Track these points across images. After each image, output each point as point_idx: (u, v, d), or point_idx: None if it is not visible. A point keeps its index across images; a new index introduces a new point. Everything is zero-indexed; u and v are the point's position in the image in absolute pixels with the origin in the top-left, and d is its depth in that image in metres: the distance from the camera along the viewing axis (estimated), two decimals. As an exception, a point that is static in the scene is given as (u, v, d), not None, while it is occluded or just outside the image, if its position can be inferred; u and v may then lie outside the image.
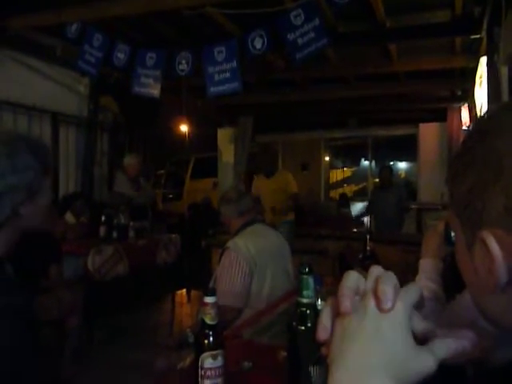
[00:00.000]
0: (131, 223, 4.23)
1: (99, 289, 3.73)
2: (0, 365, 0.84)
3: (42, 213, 1.09)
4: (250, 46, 3.44)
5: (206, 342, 0.98)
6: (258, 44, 3.40)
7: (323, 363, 0.80)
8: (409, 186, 8.12)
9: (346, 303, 0.44)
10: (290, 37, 3.25)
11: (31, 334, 0.91)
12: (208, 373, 0.97)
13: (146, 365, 1.67)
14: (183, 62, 3.74)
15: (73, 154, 5.11)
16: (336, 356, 0.43)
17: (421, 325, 0.44)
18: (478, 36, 3.79)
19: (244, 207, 2.22)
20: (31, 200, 1.03)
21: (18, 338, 0.87)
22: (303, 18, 3.20)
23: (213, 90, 3.68)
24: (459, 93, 6.22)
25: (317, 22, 3.18)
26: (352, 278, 0.46)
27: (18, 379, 0.86)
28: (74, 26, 3.77)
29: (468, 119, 5.72)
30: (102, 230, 4.04)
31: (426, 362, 0.41)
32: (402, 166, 10.44)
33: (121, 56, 3.85)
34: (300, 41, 3.23)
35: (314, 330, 0.47)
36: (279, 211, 4.59)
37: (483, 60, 3.68)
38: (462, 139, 0.53)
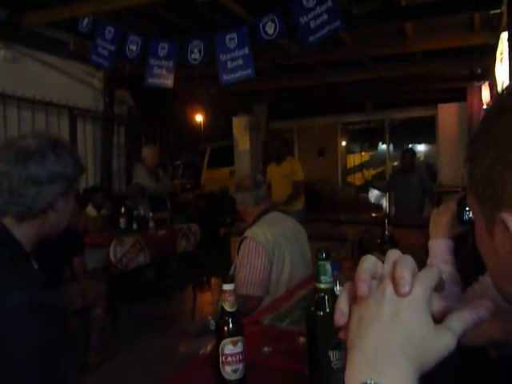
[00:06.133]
0: (151, 214, 4.29)
1: (121, 279, 3.81)
2: (27, 361, 0.86)
3: (70, 211, 1.11)
4: (262, 32, 3.40)
5: (225, 328, 0.99)
6: (270, 29, 3.36)
7: (343, 348, 0.80)
8: (429, 169, 7.98)
9: (363, 287, 0.43)
10: (303, 20, 3.20)
11: (57, 329, 0.93)
12: (229, 359, 0.98)
13: (169, 352, 1.70)
14: (195, 50, 3.73)
15: (90, 147, 5.18)
16: (354, 340, 0.43)
17: (440, 305, 0.43)
18: (498, 11, 3.66)
19: (260, 195, 2.21)
20: (65, 196, 1.06)
21: (43, 334, 0.89)
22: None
23: (226, 77, 3.66)
24: (479, 71, 6.03)
25: (329, 3, 3.12)
26: (369, 262, 0.46)
27: (45, 375, 0.88)
28: (86, 20, 3.79)
29: (489, 98, 5.56)
30: (123, 222, 4.11)
31: (444, 339, 0.41)
32: (421, 148, 10.25)
33: (133, 48, 3.86)
34: (313, 24, 3.18)
35: (332, 315, 0.47)
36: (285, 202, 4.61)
37: (504, 36, 3.55)
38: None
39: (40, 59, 4.50)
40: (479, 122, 0.50)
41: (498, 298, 0.50)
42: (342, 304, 0.46)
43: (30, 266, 1.01)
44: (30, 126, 4.32)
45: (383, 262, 0.46)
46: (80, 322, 3.09)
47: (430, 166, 8.37)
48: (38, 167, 1.00)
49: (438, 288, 0.44)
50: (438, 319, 0.42)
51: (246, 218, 2.24)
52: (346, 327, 0.45)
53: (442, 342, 0.41)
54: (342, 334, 0.46)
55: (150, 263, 4.14)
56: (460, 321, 0.41)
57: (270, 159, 5.28)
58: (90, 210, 4.30)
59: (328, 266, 0.83)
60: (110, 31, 3.84)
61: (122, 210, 4.16)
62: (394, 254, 0.46)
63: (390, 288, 0.43)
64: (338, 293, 0.86)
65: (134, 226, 4.16)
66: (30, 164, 0.99)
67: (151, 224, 4.23)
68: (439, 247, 1.09)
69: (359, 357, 0.42)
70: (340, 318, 0.46)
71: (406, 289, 0.41)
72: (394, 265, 0.44)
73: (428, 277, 0.43)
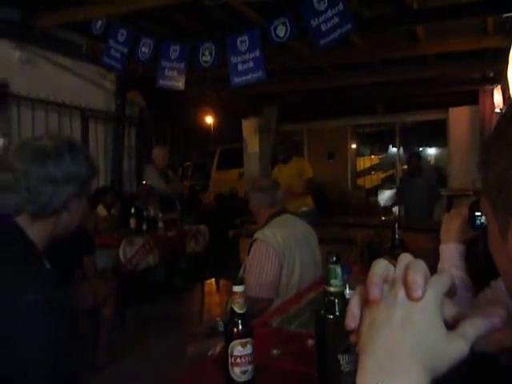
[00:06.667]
0: (160, 215, 4.32)
1: (131, 279, 3.83)
2: (40, 359, 0.88)
3: (82, 212, 1.13)
4: (273, 35, 3.41)
5: (235, 330, 0.99)
6: (281, 32, 3.37)
7: (352, 351, 0.80)
8: (438, 172, 7.92)
9: (375, 291, 0.44)
10: (314, 23, 3.20)
11: (69, 328, 0.94)
12: (238, 360, 0.98)
13: (178, 353, 1.71)
14: (206, 53, 3.75)
15: (102, 148, 5.23)
16: (365, 344, 0.43)
17: (452, 310, 0.43)
18: (511, 14, 3.63)
19: (277, 198, 2.20)
20: (78, 197, 1.08)
21: (56, 333, 0.90)
22: (326, 3, 3.14)
23: (237, 80, 3.67)
24: (491, 74, 5.97)
25: (341, 6, 3.11)
26: (381, 266, 0.46)
27: (58, 372, 0.89)
28: (99, 23, 3.83)
29: (501, 101, 5.50)
30: (133, 222, 4.14)
31: (457, 346, 0.41)
32: (432, 152, 10.16)
33: (145, 50, 3.89)
34: (324, 27, 3.17)
35: (342, 318, 0.47)
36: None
37: (517, 39, 3.52)
38: (495, 122, 0.51)
39: (53, 61, 4.56)
40: (493, 127, 0.50)
41: (510, 304, 0.50)
42: (354, 307, 0.46)
43: (43, 266, 1.02)
44: (43, 126, 4.37)
45: (394, 266, 0.46)
46: (89, 322, 3.12)
47: (439, 170, 8.31)
48: (55, 167, 1.02)
49: (450, 293, 0.44)
50: (451, 324, 0.42)
51: (258, 219, 2.24)
52: (357, 330, 0.45)
53: (455, 347, 0.41)
54: (352, 337, 0.47)
55: (159, 264, 4.15)
56: (473, 328, 0.41)
57: (278, 161, 5.32)
58: (101, 210, 4.33)
59: (338, 269, 0.83)
60: (122, 34, 3.87)
61: (132, 210, 4.19)
62: (406, 258, 0.46)
63: (402, 292, 0.43)
64: (347, 296, 0.86)
65: (144, 226, 4.18)
66: (49, 163, 1.01)
67: (161, 225, 4.26)
68: (450, 252, 1.09)
69: (371, 360, 0.42)
70: (351, 321, 0.46)
71: (419, 293, 0.42)
72: (406, 269, 0.44)
73: (440, 282, 0.43)
